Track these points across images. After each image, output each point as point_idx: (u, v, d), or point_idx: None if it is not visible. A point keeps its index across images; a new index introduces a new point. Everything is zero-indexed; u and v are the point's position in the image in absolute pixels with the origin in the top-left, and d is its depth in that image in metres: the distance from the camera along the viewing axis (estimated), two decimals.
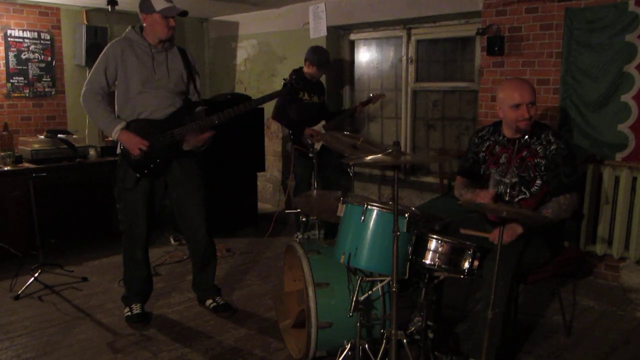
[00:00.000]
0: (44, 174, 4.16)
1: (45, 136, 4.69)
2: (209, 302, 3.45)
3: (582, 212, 3.65)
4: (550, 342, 3.01)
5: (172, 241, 4.83)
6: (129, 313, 3.27)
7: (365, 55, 5.59)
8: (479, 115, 4.34)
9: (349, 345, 2.53)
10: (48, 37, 5.23)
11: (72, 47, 5.39)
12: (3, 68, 4.98)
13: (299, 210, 3.26)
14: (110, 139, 4.69)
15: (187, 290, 3.72)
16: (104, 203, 4.70)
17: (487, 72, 4.20)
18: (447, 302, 3.19)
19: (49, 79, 5.28)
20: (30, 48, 5.12)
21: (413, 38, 5.09)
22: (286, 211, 4.65)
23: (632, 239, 3.57)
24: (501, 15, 4.06)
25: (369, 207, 2.37)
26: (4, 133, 4.59)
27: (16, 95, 5.08)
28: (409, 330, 2.61)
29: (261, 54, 6.14)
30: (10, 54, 5.00)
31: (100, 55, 3.05)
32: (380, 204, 2.41)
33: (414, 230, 2.41)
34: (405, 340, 2.36)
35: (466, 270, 2.43)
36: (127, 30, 3.10)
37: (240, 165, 5.19)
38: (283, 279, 3.21)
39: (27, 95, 5.15)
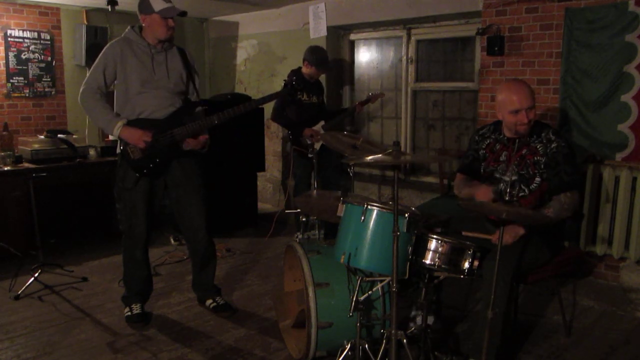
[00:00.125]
0: (44, 174, 4.16)
1: (45, 136, 4.69)
2: (209, 302, 3.45)
3: (582, 212, 3.65)
4: (550, 342, 3.01)
5: (172, 241, 4.83)
6: (129, 313, 3.27)
7: (365, 55, 5.59)
8: (479, 115, 4.34)
9: (349, 345, 2.53)
10: (48, 37, 5.23)
11: (72, 47, 5.39)
12: (3, 68, 4.98)
13: (299, 210, 3.26)
14: (111, 138, 4.70)
15: (187, 290, 3.72)
16: (104, 203, 4.71)
17: (487, 72, 4.20)
18: (447, 302, 3.20)
19: (49, 79, 5.28)
20: (30, 48, 5.12)
21: (413, 38, 5.09)
22: (286, 211, 4.64)
23: (632, 239, 3.57)
24: (501, 15, 4.06)
25: (369, 207, 2.37)
26: (4, 133, 4.59)
27: (16, 95, 5.08)
28: (409, 330, 2.61)
29: (261, 54, 6.14)
30: (10, 54, 5.00)
31: (99, 56, 3.05)
32: (380, 204, 2.40)
33: (414, 230, 2.41)
34: (405, 340, 2.36)
35: (466, 270, 2.44)
36: (126, 30, 3.10)
37: (240, 165, 5.19)
38: (283, 279, 3.21)
39: (27, 95, 5.15)
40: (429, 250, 2.44)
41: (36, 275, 3.77)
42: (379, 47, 5.47)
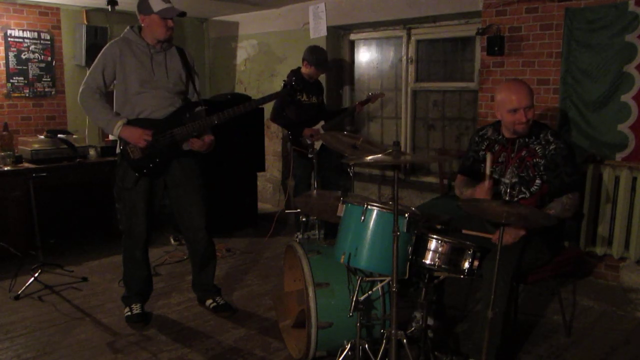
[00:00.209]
0: (44, 174, 4.16)
1: (45, 136, 4.69)
2: (209, 302, 3.45)
3: (582, 212, 3.65)
4: (550, 342, 3.01)
5: (172, 241, 4.83)
6: (129, 313, 3.27)
7: (365, 55, 5.59)
8: (479, 115, 4.34)
9: (349, 345, 2.53)
10: (48, 37, 5.23)
11: (72, 47, 5.39)
12: (3, 68, 4.98)
13: (299, 210, 3.26)
14: (111, 138, 4.70)
15: (187, 290, 3.72)
16: (104, 203, 4.71)
17: (487, 72, 4.20)
18: (447, 302, 3.19)
19: (49, 79, 5.28)
20: (30, 48, 5.12)
21: (413, 38, 5.08)
22: (286, 211, 4.65)
23: (632, 239, 3.57)
24: (501, 15, 4.06)
25: (369, 207, 2.37)
26: (4, 133, 4.59)
27: (16, 95, 5.08)
28: (409, 330, 2.61)
29: (261, 54, 6.14)
30: (10, 54, 5.00)
31: (99, 56, 3.05)
32: (380, 204, 2.40)
33: (414, 230, 2.41)
34: (405, 340, 2.36)
35: (466, 270, 2.44)
36: (126, 30, 3.10)
37: (240, 165, 5.19)
38: (283, 279, 3.21)
39: (27, 95, 5.15)
40: (429, 250, 2.44)
41: (36, 275, 3.77)
42: (379, 47, 5.47)
